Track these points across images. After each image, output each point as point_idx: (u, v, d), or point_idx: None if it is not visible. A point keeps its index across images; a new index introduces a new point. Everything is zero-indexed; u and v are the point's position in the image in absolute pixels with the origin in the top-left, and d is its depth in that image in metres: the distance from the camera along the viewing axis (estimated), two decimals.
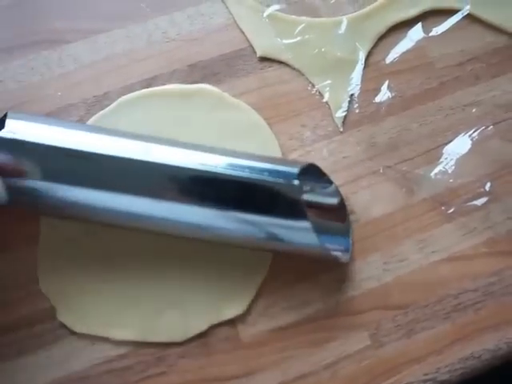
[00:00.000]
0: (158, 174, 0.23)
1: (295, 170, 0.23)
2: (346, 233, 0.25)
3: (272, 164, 0.23)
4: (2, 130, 0.22)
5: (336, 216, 0.25)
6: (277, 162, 0.24)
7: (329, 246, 0.24)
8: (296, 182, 0.22)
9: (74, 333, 0.24)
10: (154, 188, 0.23)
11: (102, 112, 0.27)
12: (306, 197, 0.25)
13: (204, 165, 0.23)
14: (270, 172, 0.23)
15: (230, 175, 0.22)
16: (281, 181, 0.22)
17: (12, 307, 0.25)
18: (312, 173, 0.24)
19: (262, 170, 0.23)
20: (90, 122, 0.27)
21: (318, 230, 0.23)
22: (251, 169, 0.23)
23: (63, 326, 0.24)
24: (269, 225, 0.23)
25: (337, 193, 0.25)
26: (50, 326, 0.24)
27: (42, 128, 0.23)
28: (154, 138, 0.24)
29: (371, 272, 0.26)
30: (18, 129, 0.22)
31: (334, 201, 0.25)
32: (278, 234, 0.23)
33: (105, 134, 0.23)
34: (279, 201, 0.23)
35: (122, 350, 0.24)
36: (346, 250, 0.25)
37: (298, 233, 0.23)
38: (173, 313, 0.24)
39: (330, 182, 0.25)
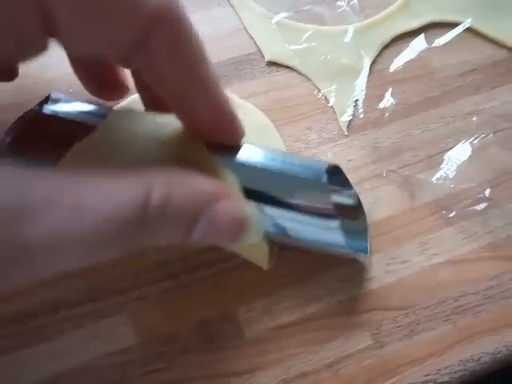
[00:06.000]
0: None
1: (323, 167, 0.22)
2: (364, 232, 0.26)
3: (301, 159, 0.23)
4: None
5: (355, 216, 0.26)
6: (305, 158, 0.24)
7: (349, 243, 0.24)
8: (324, 179, 0.22)
9: (78, 326, 0.24)
10: None
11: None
12: (331, 195, 0.25)
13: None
14: (300, 166, 0.22)
15: (261, 164, 0.22)
16: (310, 176, 0.22)
17: (16, 299, 0.25)
18: (335, 174, 0.24)
19: (292, 164, 0.22)
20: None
21: (341, 229, 0.23)
22: (282, 162, 0.22)
23: (67, 319, 0.24)
24: (294, 220, 0.23)
25: (355, 196, 0.26)
26: (53, 319, 0.24)
27: None
28: None
29: (373, 273, 0.26)
30: None
31: (352, 202, 0.25)
32: (302, 230, 0.23)
33: None
34: (306, 195, 0.22)
35: (124, 345, 0.24)
36: (365, 249, 0.25)
37: (322, 229, 0.23)
38: None
39: (350, 186, 0.25)
